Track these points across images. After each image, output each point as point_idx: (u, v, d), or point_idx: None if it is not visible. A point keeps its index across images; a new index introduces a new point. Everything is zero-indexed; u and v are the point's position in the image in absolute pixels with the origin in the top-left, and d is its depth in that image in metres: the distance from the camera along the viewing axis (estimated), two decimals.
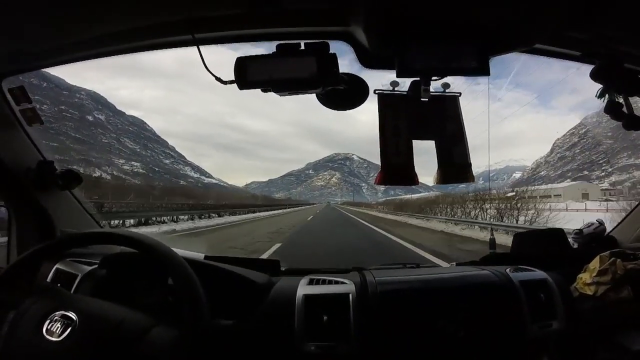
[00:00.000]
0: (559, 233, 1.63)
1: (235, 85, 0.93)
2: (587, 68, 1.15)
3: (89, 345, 0.78)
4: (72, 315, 0.81)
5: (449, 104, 1.10)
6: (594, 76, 1.11)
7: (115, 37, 1.07)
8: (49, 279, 1.27)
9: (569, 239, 1.63)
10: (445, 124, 1.10)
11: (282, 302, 1.15)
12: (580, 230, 1.61)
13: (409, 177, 1.06)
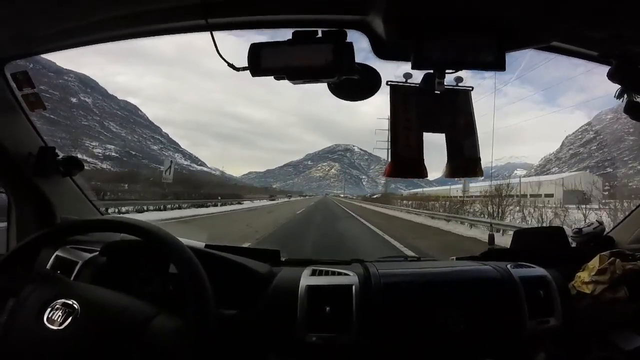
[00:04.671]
0: (559, 231, 1.64)
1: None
2: (596, 66, 1.15)
3: (91, 333, 0.77)
4: (74, 303, 0.80)
5: (462, 98, 1.10)
6: (611, 77, 1.11)
7: (125, 20, 1.04)
8: (48, 266, 1.26)
9: (568, 238, 1.63)
10: (456, 118, 1.09)
11: (284, 293, 1.15)
12: (580, 229, 1.62)
13: (418, 170, 1.06)
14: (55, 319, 0.77)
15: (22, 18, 1.00)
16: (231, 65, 0.94)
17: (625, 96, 1.16)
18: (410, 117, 1.06)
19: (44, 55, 1.31)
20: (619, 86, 1.16)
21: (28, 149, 1.35)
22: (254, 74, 0.91)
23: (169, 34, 1.13)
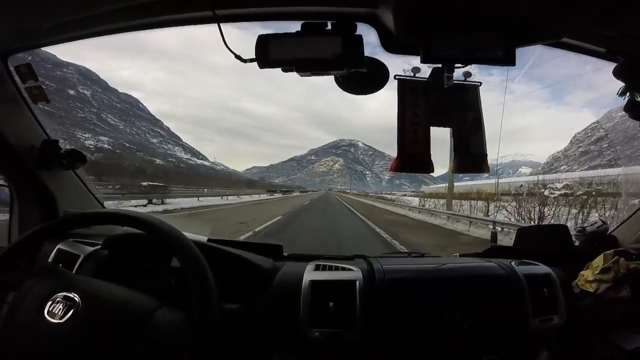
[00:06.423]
0: (563, 229, 1.62)
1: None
2: (605, 64, 1.13)
3: (92, 327, 0.77)
4: (75, 296, 0.79)
5: (470, 93, 1.09)
6: (617, 74, 1.10)
7: (130, 11, 1.02)
8: (50, 260, 1.26)
9: (572, 237, 1.62)
10: (464, 113, 1.08)
11: (287, 288, 1.15)
12: (583, 228, 1.61)
13: (425, 165, 1.05)
14: (56, 312, 0.77)
15: (25, 10, 0.99)
16: (238, 57, 0.93)
17: (628, 94, 1.14)
18: (418, 111, 1.05)
19: (45, 48, 1.30)
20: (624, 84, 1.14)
21: (31, 142, 1.35)
22: (261, 66, 0.90)
23: (175, 25, 1.11)
